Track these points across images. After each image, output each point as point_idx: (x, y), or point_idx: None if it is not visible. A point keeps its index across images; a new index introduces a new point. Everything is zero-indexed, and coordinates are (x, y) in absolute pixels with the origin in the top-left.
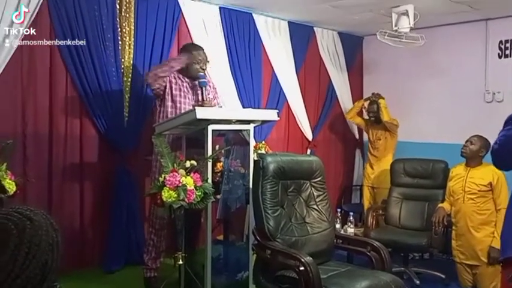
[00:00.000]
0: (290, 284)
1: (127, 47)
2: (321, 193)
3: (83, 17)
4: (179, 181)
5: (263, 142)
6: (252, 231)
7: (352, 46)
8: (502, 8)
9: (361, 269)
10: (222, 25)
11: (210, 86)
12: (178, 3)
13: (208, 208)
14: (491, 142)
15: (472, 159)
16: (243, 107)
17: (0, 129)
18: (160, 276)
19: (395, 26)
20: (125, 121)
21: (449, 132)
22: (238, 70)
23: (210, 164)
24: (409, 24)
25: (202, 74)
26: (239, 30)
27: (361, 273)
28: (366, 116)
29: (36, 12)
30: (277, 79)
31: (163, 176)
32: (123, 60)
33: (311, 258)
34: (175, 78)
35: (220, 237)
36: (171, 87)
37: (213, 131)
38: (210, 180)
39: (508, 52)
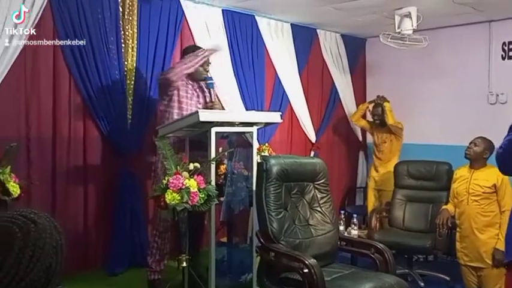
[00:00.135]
0: (294, 286)
1: (130, 50)
2: (324, 195)
3: (86, 19)
4: (182, 183)
5: (266, 144)
6: (256, 233)
7: (355, 48)
8: (505, 10)
9: (365, 271)
10: (225, 27)
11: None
12: (181, 6)
13: (211, 210)
14: (495, 144)
15: (476, 161)
16: (246, 109)
17: (4, 133)
18: (164, 278)
19: (398, 28)
20: (128, 124)
21: (453, 134)
22: (241, 72)
23: (213, 167)
24: (412, 26)
25: (209, 76)
26: (242, 33)
27: (365, 275)
28: (370, 119)
29: (39, 15)
30: (280, 81)
31: (166, 178)
32: (126, 63)
33: (315, 261)
34: (181, 80)
35: (224, 240)
36: (178, 89)
37: (216, 133)
38: (213, 183)
39: (511, 54)
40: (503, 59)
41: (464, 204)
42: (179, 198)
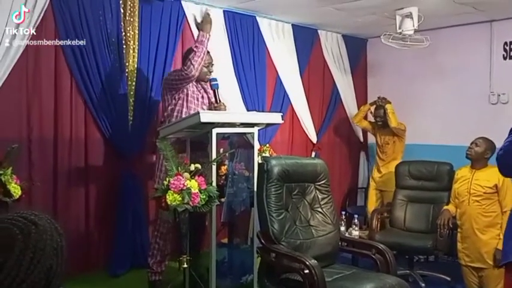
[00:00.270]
0: (295, 287)
1: (131, 51)
2: (325, 196)
3: (88, 21)
4: (184, 184)
5: (267, 145)
6: (257, 234)
7: (356, 48)
8: (506, 10)
9: (366, 271)
10: (226, 28)
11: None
12: (182, 7)
13: (212, 211)
14: (497, 144)
15: (477, 161)
16: (247, 110)
17: (6, 134)
18: (165, 279)
19: (400, 28)
20: (129, 125)
21: (454, 134)
22: (243, 73)
23: (214, 167)
24: (413, 26)
25: (213, 77)
26: (243, 34)
27: (366, 276)
28: (372, 119)
29: (41, 16)
30: (281, 82)
31: (167, 179)
32: (127, 64)
33: (316, 261)
34: None
35: (225, 241)
36: (186, 89)
37: (217, 134)
38: (214, 184)
39: None
40: (505, 58)
41: (466, 204)
42: (180, 199)
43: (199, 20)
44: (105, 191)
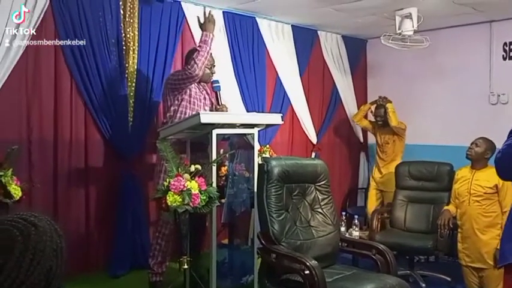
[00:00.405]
0: None
1: (131, 52)
2: (325, 196)
3: (87, 22)
4: (184, 185)
5: (267, 146)
6: (257, 235)
7: (356, 49)
8: (506, 10)
9: (367, 272)
10: (226, 29)
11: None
12: (181, 8)
13: (213, 212)
14: (497, 144)
15: (477, 162)
16: (247, 111)
17: (6, 135)
18: (165, 280)
19: (399, 29)
20: (129, 126)
21: (454, 135)
22: (242, 74)
23: (214, 168)
24: (413, 27)
25: (215, 79)
26: (243, 34)
27: (366, 276)
28: (372, 119)
29: (41, 17)
30: (281, 83)
31: (168, 180)
32: (127, 65)
33: (316, 262)
34: None
35: (225, 241)
36: (190, 90)
37: (217, 135)
38: (214, 184)
39: None
40: (504, 59)
41: (466, 204)
42: (180, 200)
43: (202, 20)
44: (105, 191)
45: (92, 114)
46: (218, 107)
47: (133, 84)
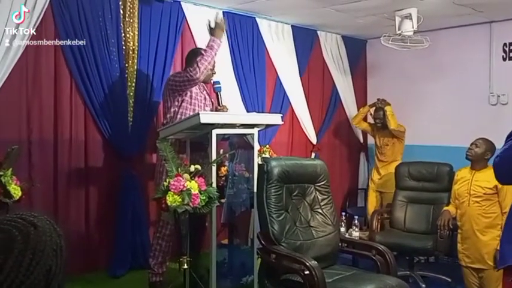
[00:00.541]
0: None
1: (131, 52)
2: (325, 197)
3: (87, 22)
4: (183, 185)
5: (267, 146)
6: (257, 235)
7: (356, 49)
8: (506, 11)
9: (367, 272)
10: (226, 29)
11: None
12: (181, 8)
13: (212, 212)
14: (497, 145)
15: (477, 162)
16: (247, 111)
17: (6, 135)
18: (165, 280)
19: (399, 29)
20: (129, 126)
21: (454, 135)
22: (242, 74)
23: (214, 168)
24: (413, 27)
25: (216, 79)
26: (243, 35)
27: (366, 277)
28: (371, 121)
29: (40, 17)
30: (281, 83)
31: (167, 180)
32: (127, 65)
33: (316, 262)
34: None
35: (225, 241)
36: (191, 91)
37: (217, 135)
38: (214, 185)
39: None
40: (504, 60)
41: (466, 205)
42: (180, 200)
43: (213, 24)
44: (105, 192)
45: (92, 114)
46: (219, 107)
47: (133, 84)
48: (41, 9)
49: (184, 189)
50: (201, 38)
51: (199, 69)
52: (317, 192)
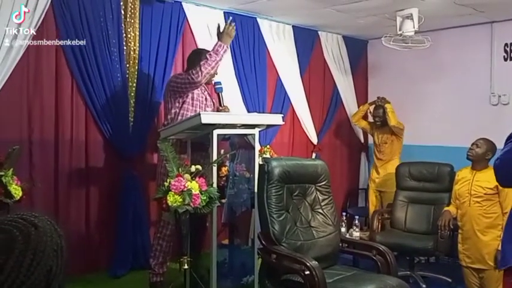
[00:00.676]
0: None
1: (132, 53)
2: (326, 197)
3: (88, 22)
4: (184, 186)
5: (268, 146)
6: (258, 235)
7: (357, 50)
8: (506, 11)
9: (367, 273)
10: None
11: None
12: (182, 8)
13: (213, 212)
14: (498, 145)
15: (478, 162)
16: (248, 112)
17: (7, 135)
18: (166, 280)
19: (400, 29)
20: (130, 126)
21: (455, 135)
22: (243, 74)
23: (215, 169)
24: (414, 27)
25: (218, 80)
26: (243, 35)
27: (367, 277)
28: (371, 119)
29: (41, 18)
30: (281, 83)
31: (168, 180)
32: (128, 65)
33: (316, 263)
34: None
35: (226, 242)
36: (192, 92)
37: (218, 135)
38: (215, 185)
39: None
40: (505, 60)
41: (466, 205)
42: (181, 200)
43: (222, 29)
44: (106, 192)
45: (93, 114)
46: (220, 108)
47: (134, 85)
48: (42, 9)
49: (185, 189)
50: (202, 39)
51: (202, 73)
52: (318, 193)
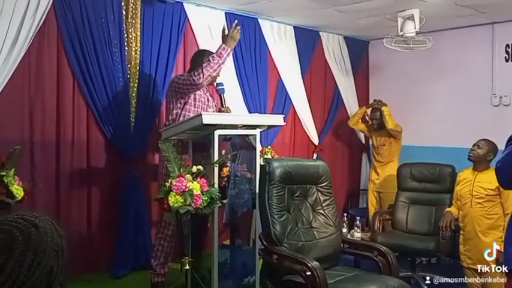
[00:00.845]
0: None
1: (133, 53)
2: (327, 198)
3: (90, 23)
4: (186, 186)
5: (269, 147)
6: (259, 235)
7: (358, 50)
8: (508, 12)
9: (368, 273)
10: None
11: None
12: (184, 8)
13: (214, 213)
14: (499, 146)
15: (479, 163)
16: (249, 112)
17: (8, 135)
18: (167, 280)
19: (401, 30)
20: (131, 127)
21: (456, 136)
22: (244, 75)
23: (216, 169)
24: (415, 28)
25: (219, 81)
26: (245, 36)
27: (368, 278)
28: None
29: (43, 18)
30: (283, 84)
31: (169, 181)
32: (129, 66)
33: (318, 263)
34: None
35: (227, 242)
36: (194, 93)
37: (219, 136)
38: (216, 185)
39: None
40: (507, 61)
41: (468, 206)
42: (182, 200)
43: (227, 32)
44: (107, 192)
45: (94, 114)
46: (222, 109)
47: (136, 85)
48: (43, 10)
49: (187, 189)
50: (203, 39)
51: (203, 75)
52: (319, 193)
